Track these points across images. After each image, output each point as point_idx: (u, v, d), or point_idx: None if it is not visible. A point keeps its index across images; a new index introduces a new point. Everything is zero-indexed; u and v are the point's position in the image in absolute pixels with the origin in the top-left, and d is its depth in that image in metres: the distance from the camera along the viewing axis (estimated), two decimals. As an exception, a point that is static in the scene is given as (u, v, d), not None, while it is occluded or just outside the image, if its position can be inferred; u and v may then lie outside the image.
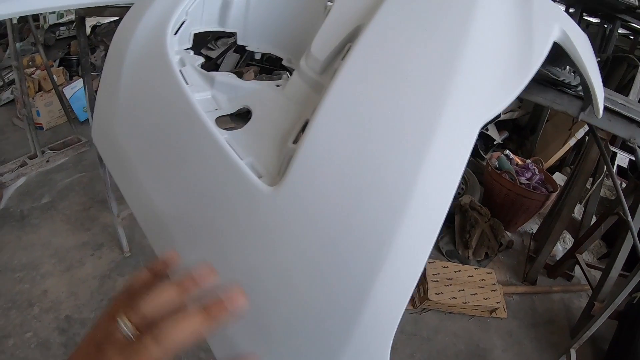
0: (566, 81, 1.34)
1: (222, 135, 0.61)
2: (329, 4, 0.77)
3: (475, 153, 4.86)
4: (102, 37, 5.07)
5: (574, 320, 3.16)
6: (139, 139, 0.68)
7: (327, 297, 0.52)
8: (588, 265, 3.38)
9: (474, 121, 0.58)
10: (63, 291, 2.79)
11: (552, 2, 0.94)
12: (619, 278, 2.65)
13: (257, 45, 0.93)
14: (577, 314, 3.16)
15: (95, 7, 1.73)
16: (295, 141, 0.59)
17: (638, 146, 1.54)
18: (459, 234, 3.61)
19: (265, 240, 0.54)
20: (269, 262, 0.54)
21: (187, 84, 0.66)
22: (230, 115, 0.72)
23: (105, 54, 3.77)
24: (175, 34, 0.75)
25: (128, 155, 0.69)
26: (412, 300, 2.90)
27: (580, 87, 1.38)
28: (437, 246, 3.61)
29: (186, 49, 0.79)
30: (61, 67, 5.40)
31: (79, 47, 2.58)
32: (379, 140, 0.54)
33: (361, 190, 0.52)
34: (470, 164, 4.57)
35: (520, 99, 4.14)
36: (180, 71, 0.68)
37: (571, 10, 6.30)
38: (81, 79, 5.00)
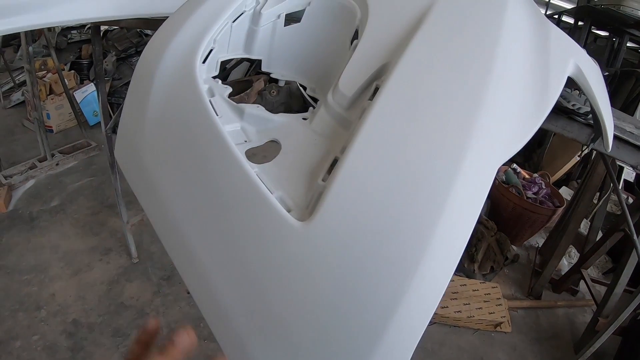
0: (576, 107, 1.36)
1: (252, 169, 0.62)
2: (356, 40, 0.79)
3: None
4: (114, 42, 5.12)
5: (578, 335, 3.15)
6: (167, 166, 0.69)
7: (348, 329, 0.55)
8: (593, 280, 3.39)
9: (494, 161, 0.61)
10: (71, 295, 2.81)
11: (567, 36, 0.97)
12: (624, 294, 2.67)
13: (281, 73, 0.95)
14: (581, 329, 3.16)
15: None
16: (324, 178, 0.61)
17: None
18: (465, 248, 3.60)
19: (295, 272, 0.56)
20: (297, 295, 0.56)
21: (217, 115, 0.68)
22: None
23: (117, 59, 3.81)
24: (204, 62, 0.77)
25: (154, 180, 0.69)
26: (417, 314, 2.90)
27: (590, 116, 1.40)
28: (443, 260, 3.61)
29: (214, 77, 0.80)
30: (72, 71, 5.45)
31: (93, 56, 2.62)
32: (406, 181, 0.56)
33: (389, 227, 0.54)
34: (477, 177, 4.59)
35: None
36: (210, 101, 0.70)
37: (580, 23, 6.33)
38: (91, 83, 5.04)
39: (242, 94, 1.10)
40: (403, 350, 0.55)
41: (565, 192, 4.39)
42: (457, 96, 0.63)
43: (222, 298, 0.59)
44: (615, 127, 1.49)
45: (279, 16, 0.89)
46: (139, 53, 5.09)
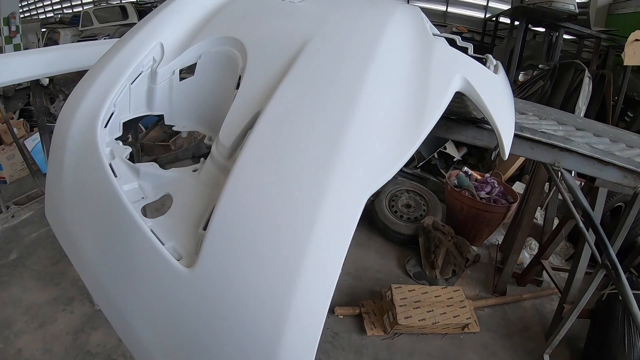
0: (481, 116, 1.43)
1: (147, 224, 0.69)
2: (236, 90, 0.85)
3: (435, 172, 4.98)
4: (61, 87, 5.07)
5: (547, 324, 3.22)
6: (81, 224, 0.75)
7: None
8: (554, 268, 3.49)
9: (360, 194, 0.66)
10: (37, 349, 2.76)
11: (454, 52, 1.01)
12: (587, 276, 2.73)
13: (183, 125, 1.01)
14: (549, 317, 3.23)
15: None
16: (205, 227, 0.67)
17: (563, 168, 1.66)
18: (425, 255, 3.69)
19: (186, 311, 0.63)
20: (189, 329, 0.62)
21: (116, 176, 0.73)
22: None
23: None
24: (106, 126, 0.82)
25: (73, 237, 0.77)
26: (382, 327, 2.95)
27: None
28: (404, 269, 3.69)
29: (116, 138, 0.85)
30: (21, 119, 5.37)
31: (35, 108, 2.61)
32: (270, 224, 0.62)
33: (258, 267, 0.61)
34: (431, 184, 4.69)
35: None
36: (110, 165, 0.75)
37: (516, 23, 6.58)
38: (42, 131, 4.97)
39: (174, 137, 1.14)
40: None
41: (519, 187, 4.52)
42: (317, 139, 0.68)
43: (137, 332, 0.68)
44: (527, 128, 1.58)
45: (173, 72, 0.94)
46: (87, 95, 5.04)
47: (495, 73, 1.09)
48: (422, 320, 2.89)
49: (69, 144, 0.79)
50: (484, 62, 1.20)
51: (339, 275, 0.62)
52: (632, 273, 3.17)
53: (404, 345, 2.93)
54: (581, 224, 2.20)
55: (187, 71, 0.97)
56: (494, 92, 0.99)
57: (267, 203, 0.63)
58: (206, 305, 0.59)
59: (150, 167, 0.79)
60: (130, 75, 0.88)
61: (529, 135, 1.59)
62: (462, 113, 1.39)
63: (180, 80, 0.96)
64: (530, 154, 1.65)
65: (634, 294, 2.57)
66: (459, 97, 0.91)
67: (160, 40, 0.93)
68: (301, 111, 0.71)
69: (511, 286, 3.60)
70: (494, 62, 1.18)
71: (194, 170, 0.81)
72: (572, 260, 3.93)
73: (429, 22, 1.24)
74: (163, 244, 0.67)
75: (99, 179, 0.74)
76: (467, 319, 2.97)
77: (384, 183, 0.70)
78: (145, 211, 0.74)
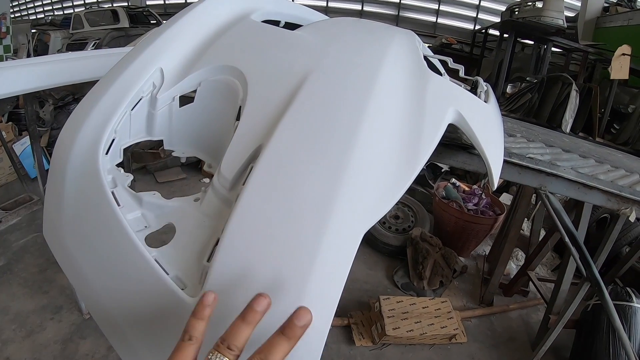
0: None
1: (151, 254, 0.70)
2: (237, 122, 0.87)
3: (423, 182, 5.03)
4: (50, 91, 5.05)
5: (533, 334, 3.26)
6: (84, 251, 0.76)
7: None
8: (540, 279, 3.53)
9: (358, 229, 0.69)
10: (26, 358, 2.73)
11: (447, 85, 1.03)
12: (572, 287, 2.77)
13: (182, 150, 1.02)
14: (536, 328, 3.26)
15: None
16: (210, 258, 0.69)
17: (550, 192, 1.71)
18: (412, 266, 3.72)
19: None
20: None
21: (119, 205, 0.75)
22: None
23: (55, 108, 3.76)
24: (107, 153, 0.83)
25: (73, 261, 0.77)
26: (371, 337, 2.98)
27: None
28: (392, 280, 3.72)
29: (118, 164, 0.86)
30: (10, 123, 5.32)
31: (26, 119, 2.61)
32: (273, 258, 0.64)
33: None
34: (419, 195, 4.73)
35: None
36: (113, 192, 0.76)
37: (505, 35, 6.68)
38: (31, 135, 4.94)
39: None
40: None
41: (507, 198, 4.57)
42: (318, 177, 0.70)
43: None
44: (515, 154, 1.63)
45: (173, 98, 0.95)
46: (77, 100, 5.04)
47: (486, 101, 1.11)
48: (410, 331, 2.92)
49: (70, 169, 0.79)
50: (474, 86, 1.22)
51: (336, 307, 0.64)
52: (617, 284, 3.23)
53: (392, 355, 2.95)
54: (567, 241, 2.23)
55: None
56: (484, 122, 1.01)
57: (269, 240, 0.65)
58: (209, 335, 0.60)
59: (152, 197, 0.81)
60: (131, 101, 0.89)
61: (516, 161, 1.64)
62: (453, 138, 1.42)
63: (180, 106, 0.97)
64: (518, 179, 1.70)
65: (618, 304, 2.64)
66: (450, 125, 0.94)
67: (160, 65, 0.95)
68: (303, 148, 0.73)
69: (498, 296, 3.64)
70: (484, 87, 1.19)
71: (196, 200, 0.82)
72: (557, 270, 4.00)
73: (422, 43, 1.27)
74: (167, 274, 0.68)
75: (102, 208, 0.74)
76: (454, 329, 3.00)
77: (382, 216, 0.72)
78: (147, 240, 0.76)
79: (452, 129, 0.96)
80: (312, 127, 0.77)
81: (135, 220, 0.78)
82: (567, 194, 1.82)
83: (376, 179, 0.74)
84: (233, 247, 0.66)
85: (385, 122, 0.82)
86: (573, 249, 2.06)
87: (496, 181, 0.98)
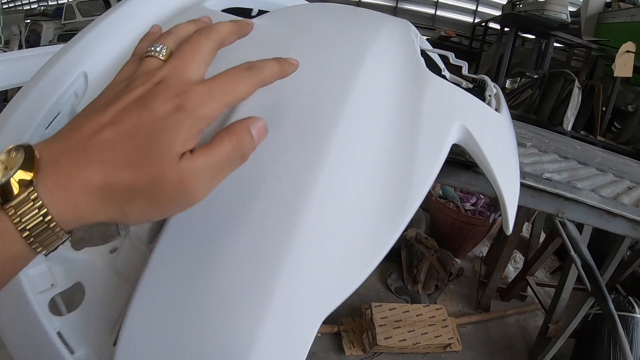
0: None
1: (54, 324, 0.57)
2: None
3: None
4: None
5: (531, 342, 3.16)
6: None
7: None
8: (539, 284, 3.43)
9: (315, 312, 0.48)
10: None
11: (452, 91, 0.74)
12: (573, 292, 2.71)
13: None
14: (533, 334, 3.17)
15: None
16: (117, 339, 0.51)
17: (567, 220, 1.50)
18: (407, 270, 3.60)
19: None
20: None
21: None
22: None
23: None
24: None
25: None
26: (362, 346, 2.86)
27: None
28: (385, 284, 3.59)
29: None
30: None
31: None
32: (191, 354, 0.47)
33: None
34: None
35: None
36: None
37: (506, 29, 6.55)
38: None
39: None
40: None
41: (506, 199, 4.45)
42: (255, 256, 0.49)
43: None
44: (529, 174, 1.42)
45: None
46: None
47: (498, 109, 0.85)
48: (402, 340, 2.80)
49: None
50: (481, 87, 0.97)
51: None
52: (619, 292, 3.13)
53: (384, 365, 2.84)
54: (583, 274, 2.01)
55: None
56: (497, 141, 0.75)
57: (183, 335, 0.48)
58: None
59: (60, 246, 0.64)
60: (44, 118, 0.69)
61: (532, 184, 1.45)
62: (455, 154, 1.18)
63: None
64: (532, 203, 1.49)
65: (620, 315, 2.53)
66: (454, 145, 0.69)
67: (84, 69, 0.73)
68: (232, 207, 0.52)
69: (495, 301, 3.52)
70: (494, 89, 0.92)
71: (112, 251, 0.65)
72: (556, 273, 3.90)
73: (419, 35, 0.99)
74: (73, 353, 0.55)
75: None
76: (449, 338, 2.89)
77: (353, 291, 0.51)
78: (55, 302, 0.61)
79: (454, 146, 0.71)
80: (245, 180, 0.52)
81: (39, 277, 0.62)
82: (587, 222, 1.63)
83: (344, 245, 0.51)
84: (134, 335, 0.48)
85: (362, 155, 0.57)
86: (588, 283, 1.86)
87: (511, 223, 0.71)
